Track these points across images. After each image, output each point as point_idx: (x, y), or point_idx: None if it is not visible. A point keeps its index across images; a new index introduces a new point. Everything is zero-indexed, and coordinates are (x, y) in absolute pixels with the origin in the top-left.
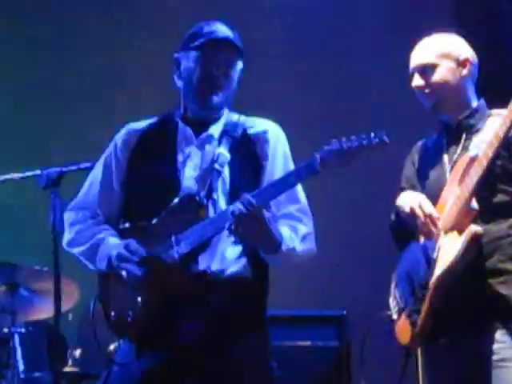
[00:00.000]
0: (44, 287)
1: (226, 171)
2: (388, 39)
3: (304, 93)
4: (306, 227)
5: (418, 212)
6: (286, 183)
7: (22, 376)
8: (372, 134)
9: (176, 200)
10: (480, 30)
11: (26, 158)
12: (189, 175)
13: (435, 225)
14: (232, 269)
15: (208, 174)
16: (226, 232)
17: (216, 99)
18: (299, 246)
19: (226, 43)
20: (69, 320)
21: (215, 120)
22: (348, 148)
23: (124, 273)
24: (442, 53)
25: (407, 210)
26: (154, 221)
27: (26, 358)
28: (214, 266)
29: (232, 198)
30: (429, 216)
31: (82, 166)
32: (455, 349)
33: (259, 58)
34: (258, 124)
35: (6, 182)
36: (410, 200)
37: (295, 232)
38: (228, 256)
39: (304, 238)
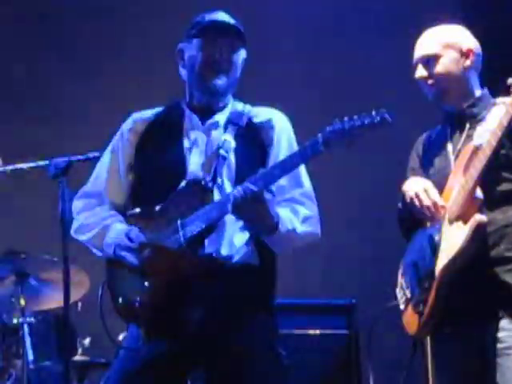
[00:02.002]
0: (53, 277)
1: (232, 157)
2: (391, 27)
3: (306, 81)
4: (308, 210)
5: (423, 197)
6: (289, 164)
7: (31, 366)
8: (373, 113)
9: (182, 185)
10: (484, 18)
11: (34, 147)
12: (195, 161)
13: (439, 211)
14: (240, 255)
15: (213, 159)
16: (233, 218)
17: (219, 82)
18: (300, 228)
19: (227, 28)
20: (78, 309)
21: (221, 108)
22: (350, 127)
23: (123, 261)
24: (446, 43)
25: (412, 194)
26: (161, 206)
27: (35, 348)
28: (223, 251)
29: (238, 183)
30: (433, 202)
31: (90, 155)
32: (462, 337)
33: (261, 47)
34: (262, 112)
35: (16, 173)
36: (415, 185)
37: (296, 214)
38: (236, 242)
39: (305, 220)
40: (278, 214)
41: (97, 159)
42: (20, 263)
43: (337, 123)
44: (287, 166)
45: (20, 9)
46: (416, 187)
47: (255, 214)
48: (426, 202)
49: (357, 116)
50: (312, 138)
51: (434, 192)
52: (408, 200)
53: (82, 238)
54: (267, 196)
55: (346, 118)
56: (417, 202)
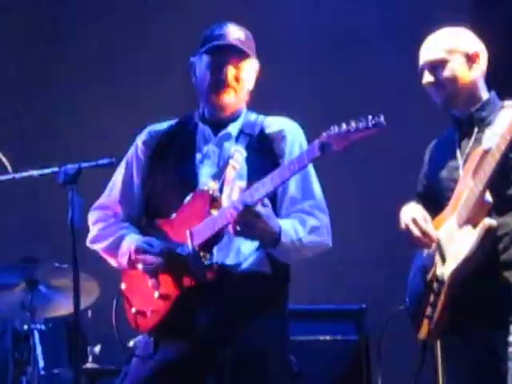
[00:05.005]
0: (64, 284)
1: (244, 167)
2: (398, 31)
3: (314, 87)
4: (316, 220)
5: (412, 228)
6: (288, 171)
7: (42, 373)
8: (369, 117)
9: (190, 195)
10: (494, 17)
11: (44, 155)
12: (206, 173)
13: (430, 240)
14: (248, 263)
15: (224, 170)
16: None
17: (227, 101)
18: (306, 238)
19: (234, 45)
20: (88, 316)
21: (233, 119)
22: (346, 132)
23: (141, 265)
24: (451, 48)
25: (403, 225)
26: (172, 217)
27: (45, 355)
28: (230, 260)
29: None
30: (423, 232)
31: (100, 162)
32: (472, 341)
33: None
34: (275, 122)
35: (25, 180)
36: (406, 215)
37: (303, 224)
38: (244, 250)
39: (312, 231)
40: (279, 226)
41: (106, 166)
42: (30, 270)
43: (333, 128)
44: (285, 173)
45: (24, 19)
46: (406, 218)
47: (250, 228)
48: (416, 233)
49: (353, 120)
50: (309, 144)
51: (423, 222)
52: (402, 228)
53: (98, 247)
54: (262, 210)
55: (343, 123)
56: (408, 234)
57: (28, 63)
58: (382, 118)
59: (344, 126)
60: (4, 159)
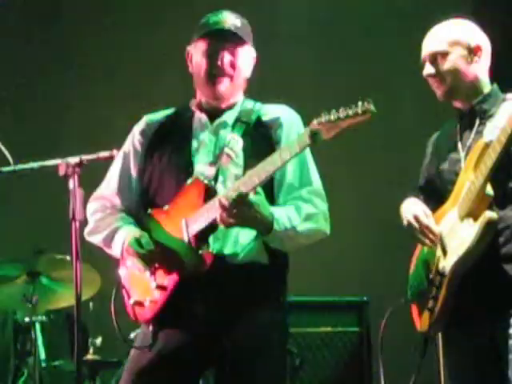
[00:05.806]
0: (65, 276)
1: (240, 155)
2: (402, 24)
3: (319, 78)
4: (313, 207)
5: (415, 225)
6: (280, 160)
7: (43, 364)
8: (359, 104)
9: (186, 184)
10: (496, 13)
11: (45, 147)
12: (201, 161)
13: (434, 235)
14: (245, 253)
15: (219, 158)
16: None
17: (223, 89)
18: (301, 225)
19: (229, 32)
20: (90, 308)
21: (230, 107)
22: (335, 118)
23: (133, 261)
24: (453, 40)
25: (405, 222)
26: (168, 206)
27: (47, 347)
28: (227, 250)
29: None
30: (425, 227)
31: (101, 154)
32: (472, 334)
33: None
34: (272, 110)
35: (27, 172)
36: (407, 212)
37: (298, 211)
38: (241, 240)
39: (308, 217)
40: (272, 214)
41: (108, 158)
42: (32, 262)
43: (324, 115)
44: (277, 161)
45: (24, 16)
46: (407, 214)
47: (241, 216)
48: (419, 229)
49: (343, 107)
50: (300, 132)
51: (425, 217)
52: (404, 225)
53: (94, 240)
54: (254, 198)
55: (333, 110)
56: (411, 230)
57: (28, 57)
58: (371, 105)
59: (334, 112)
60: (5, 151)
